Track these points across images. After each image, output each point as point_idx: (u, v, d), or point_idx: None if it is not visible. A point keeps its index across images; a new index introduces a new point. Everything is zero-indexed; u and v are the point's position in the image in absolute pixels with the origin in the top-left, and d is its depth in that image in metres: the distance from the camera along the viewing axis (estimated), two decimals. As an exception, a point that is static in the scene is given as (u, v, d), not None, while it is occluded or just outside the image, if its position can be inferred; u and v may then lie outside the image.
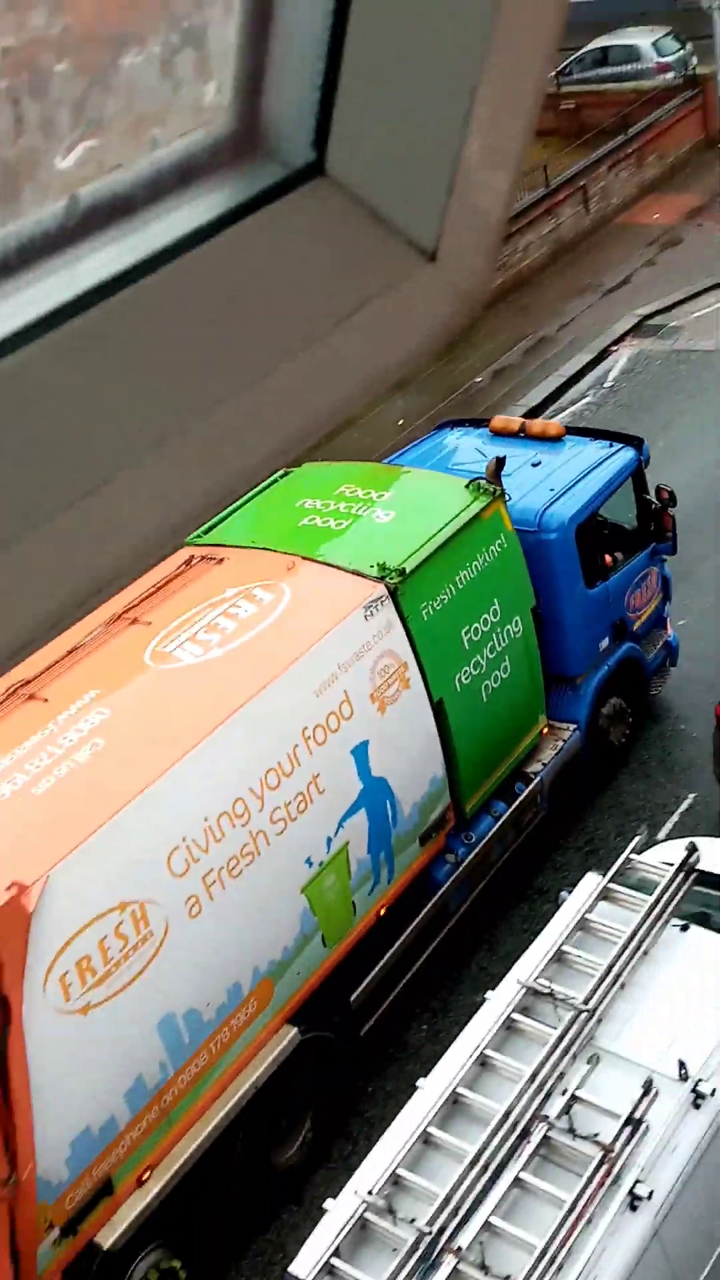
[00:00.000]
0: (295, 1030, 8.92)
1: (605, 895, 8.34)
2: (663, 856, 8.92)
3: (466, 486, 10.31)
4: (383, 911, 9.64)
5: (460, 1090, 7.27)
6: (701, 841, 8.92)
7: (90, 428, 0.86)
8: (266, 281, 0.93)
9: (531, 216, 23.26)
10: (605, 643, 11.62)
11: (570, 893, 8.59)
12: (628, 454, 11.59)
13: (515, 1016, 7.64)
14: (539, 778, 10.98)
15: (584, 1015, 7.44)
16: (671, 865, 8.32)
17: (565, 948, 8.02)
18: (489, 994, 8.03)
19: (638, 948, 7.89)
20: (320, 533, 10.16)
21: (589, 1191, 6.53)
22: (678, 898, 8.21)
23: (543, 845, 11.46)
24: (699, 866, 8.43)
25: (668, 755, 12.23)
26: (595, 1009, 7.49)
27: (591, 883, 8.48)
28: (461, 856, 10.31)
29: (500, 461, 10.47)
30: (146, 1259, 8.25)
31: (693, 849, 8.45)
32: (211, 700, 8.49)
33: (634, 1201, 6.54)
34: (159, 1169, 8.15)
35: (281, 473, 10.71)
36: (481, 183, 0.97)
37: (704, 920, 8.47)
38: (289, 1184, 9.11)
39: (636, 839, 8.80)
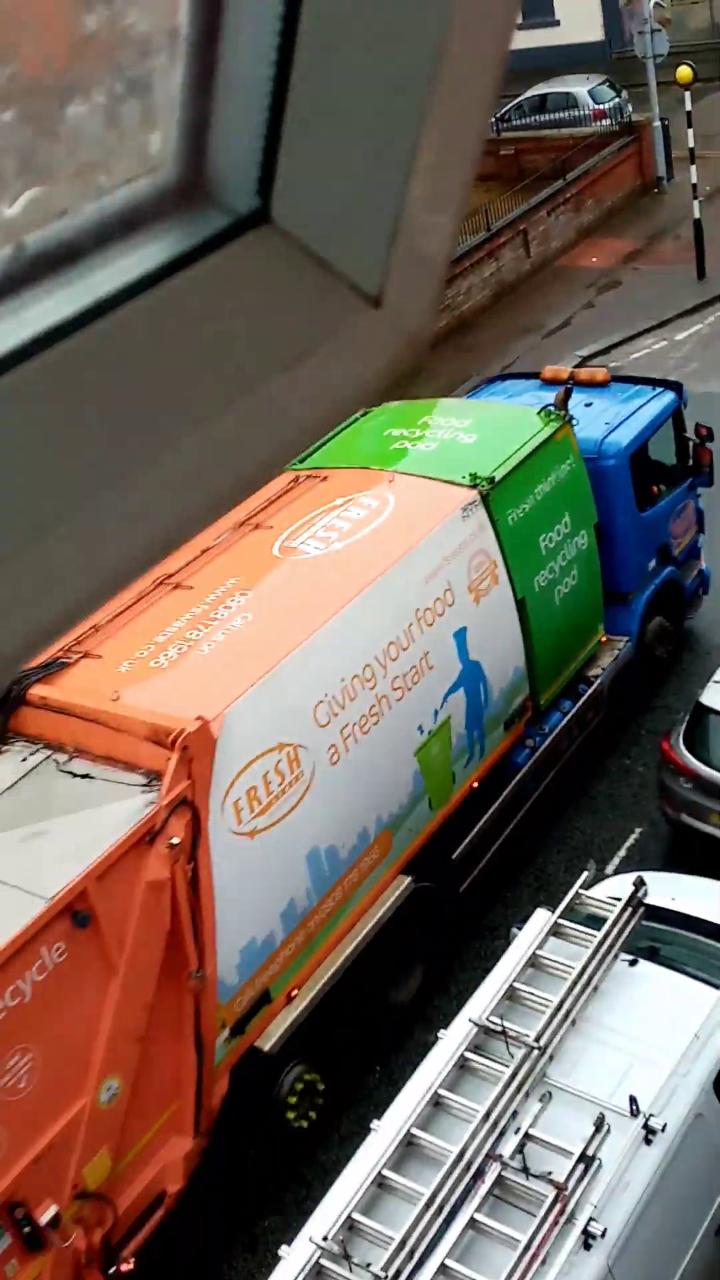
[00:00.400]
0: (409, 879, 10.13)
1: (555, 931, 8.37)
2: (611, 891, 8.97)
3: (539, 413, 11.53)
4: (475, 785, 10.84)
5: (414, 1131, 7.23)
6: (648, 875, 8.98)
7: (35, 475, 0.86)
8: (212, 328, 0.94)
9: (474, 259, 23.56)
10: (653, 564, 12.87)
11: (520, 929, 8.60)
12: (669, 395, 12.91)
13: (468, 1055, 7.63)
14: (599, 681, 12.16)
15: (535, 1052, 7.45)
16: (619, 900, 8.36)
17: (516, 985, 8.03)
18: (441, 1033, 8.01)
19: (588, 983, 7.91)
20: (411, 454, 11.42)
21: (543, 1231, 6.52)
22: (626, 932, 8.25)
23: (494, 881, 11.47)
24: (646, 900, 8.49)
25: (615, 790, 12.31)
26: (546, 1046, 7.50)
27: (541, 919, 8.50)
28: (537, 745, 11.46)
29: (568, 391, 11.85)
30: (293, 1071, 9.31)
31: (640, 883, 8.51)
32: (339, 582, 9.73)
33: (588, 1240, 6.53)
34: (303, 989, 9.29)
35: (361, 412, 12.05)
36: (425, 228, 0.98)
37: (652, 954, 8.51)
38: (403, 1021, 10.24)
39: (585, 874, 8.84)
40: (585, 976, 7.91)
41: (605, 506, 11.91)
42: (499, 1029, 7.62)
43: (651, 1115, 7.09)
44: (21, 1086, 7.34)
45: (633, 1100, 7.11)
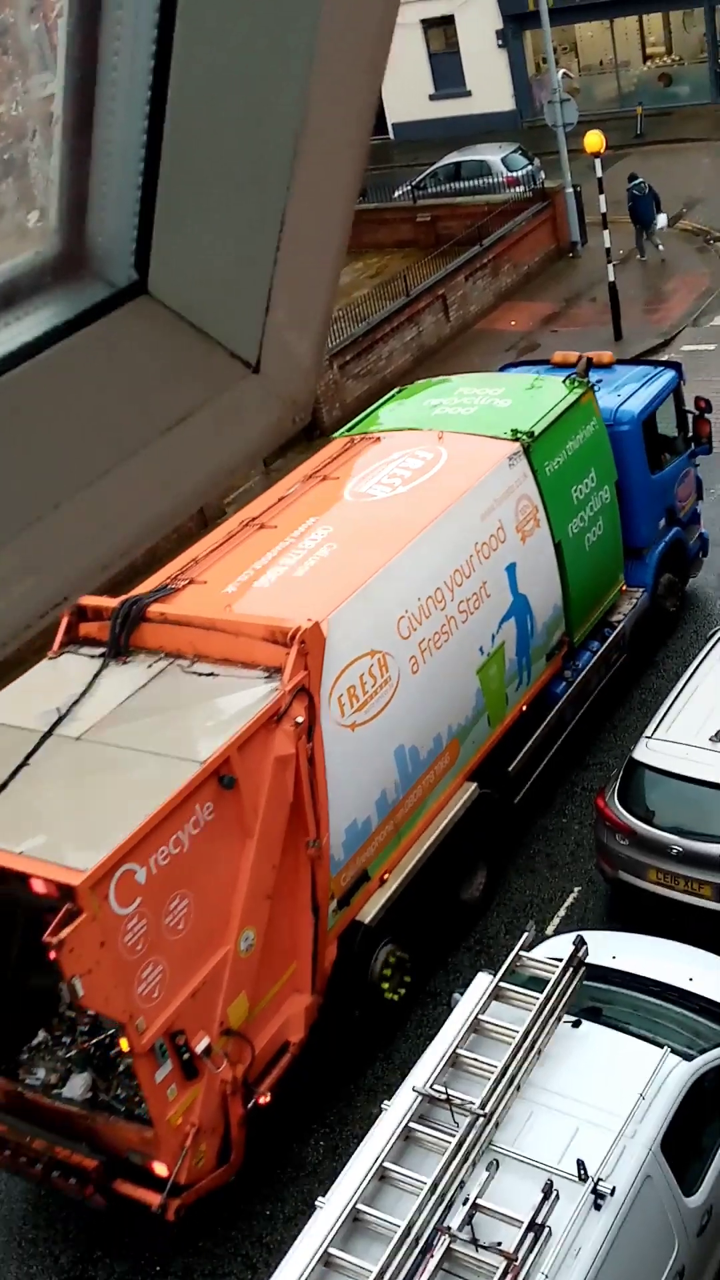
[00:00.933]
0: (474, 785, 11.41)
1: (497, 995, 8.30)
2: (552, 952, 8.92)
3: (564, 381, 13.05)
4: (524, 708, 12.21)
5: (360, 1206, 7.09)
6: (589, 935, 8.96)
7: None
8: (93, 395, 0.97)
9: (394, 324, 23.87)
10: (662, 523, 14.26)
11: (462, 994, 8.52)
12: (670, 373, 14.41)
13: (413, 1126, 7.51)
14: (621, 625, 13.60)
15: (481, 1120, 7.35)
16: (560, 961, 8.31)
17: (460, 1051, 7.93)
18: (385, 1104, 7.89)
19: (531, 1047, 7.83)
20: (454, 417, 12.78)
21: (495, 1304, 6.37)
22: (568, 993, 8.20)
23: (435, 946, 11.38)
24: (587, 960, 8.44)
25: (553, 850, 12.29)
26: (492, 1113, 7.40)
27: (483, 983, 8.43)
28: (573, 678, 12.89)
29: (589, 362, 13.46)
30: (385, 947, 10.47)
31: (580, 943, 8.47)
32: (408, 518, 11.08)
33: (541, 1311, 6.40)
34: (393, 874, 10.51)
35: (396, 390, 14.40)
36: (299, 295, 1.02)
37: (595, 1014, 8.46)
38: (469, 917, 11.57)
39: (525, 935, 8.78)
40: (529, 1040, 7.84)
41: (621, 468, 13.32)
42: (444, 1097, 7.51)
43: (600, 1179, 7.00)
44: (180, 928, 8.43)
45: (580, 1164, 7.03)
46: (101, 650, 10.06)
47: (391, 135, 40.39)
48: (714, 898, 10.27)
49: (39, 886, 7.92)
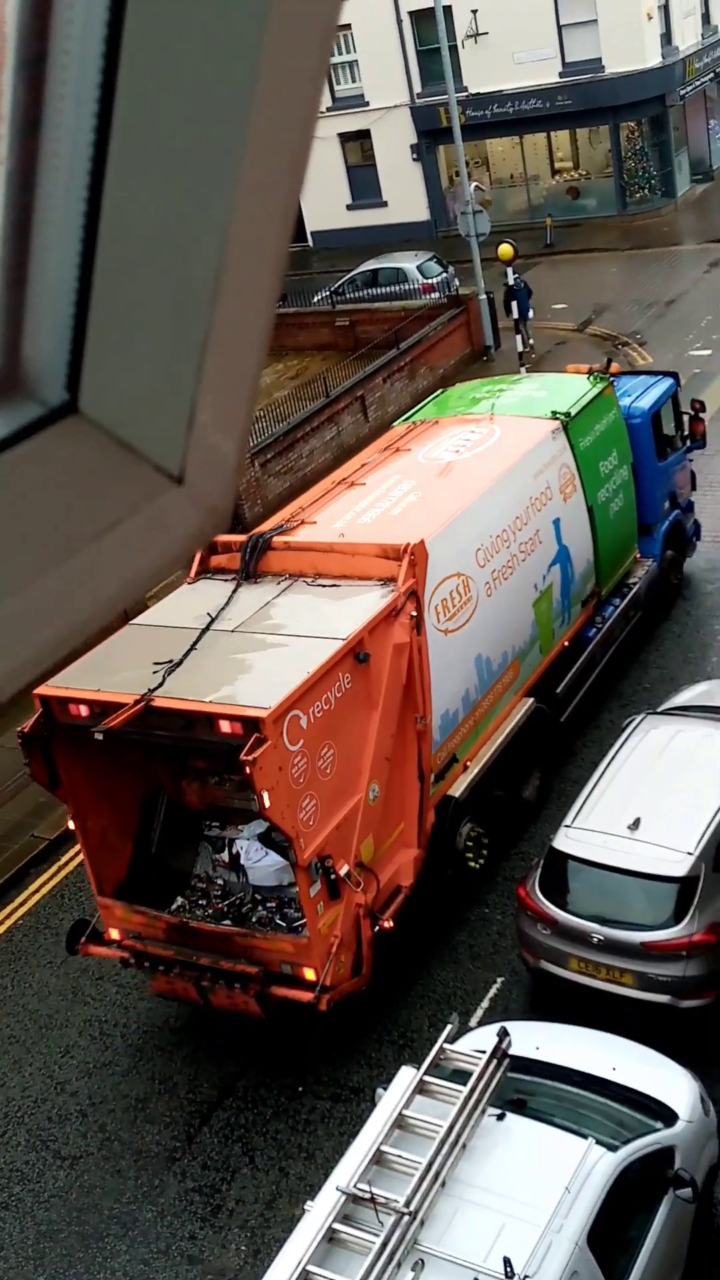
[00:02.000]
0: (532, 700, 13.63)
1: (421, 1089, 8.21)
2: (475, 1044, 8.85)
3: (588, 375, 15.59)
4: (565, 644, 14.47)
5: (283, 1314, 6.89)
6: (512, 1025, 8.92)
7: None
8: (22, 509, 1.01)
9: (314, 424, 24.26)
10: (666, 505, 16.69)
11: (385, 1089, 8.42)
12: (669, 380, 16.99)
13: (336, 1226, 7.36)
14: (637, 587, 15.97)
15: (406, 1218, 7.23)
16: (484, 1053, 8.26)
17: (384, 1148, 7.82)
18: (308, 1204, 7.73)
19: (456, 1142, 7.74)
20: (500, 404, 15.26)
21: None
22: (492, 1086, 8.13)
23: (357, 1042, 11.25)
24: (511, 1051, 8.40)
25: (475, 940, 12.26)
26: (417, 1211, 7.29)
27: (406, 1077, 8.34)
28: (601, 625, 15.16)
29: (609, 360, 16.99)
30: (468, 823, 12.42)
31: (504, 1034, 8.43)
32: (478, 473, 13.30)
33: None
34: (473, 763, 12.56)
35: (439, 392, 17.32)
36: (222, 408, 1.07)
37: (519, 1107, 8.39)
38: (529, 812, 13.60)
39: (448, 1028, 8.72)
40: (453, 1135, 7.75)
41: (635, 454, 15.72)
42: (367, 1196, 7.38)
43: (527, 1276, 6.90)
44: (328, 771, 10.39)
45: (507, 1262, 6.93)
46: (233, 575, 12.08)
47: (311, 243, 41.38)
48: (636, 986, 10.29)
49: (225, 726, 9.85)
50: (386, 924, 10.95)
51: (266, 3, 0.90)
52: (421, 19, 34.02)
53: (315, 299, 31.53)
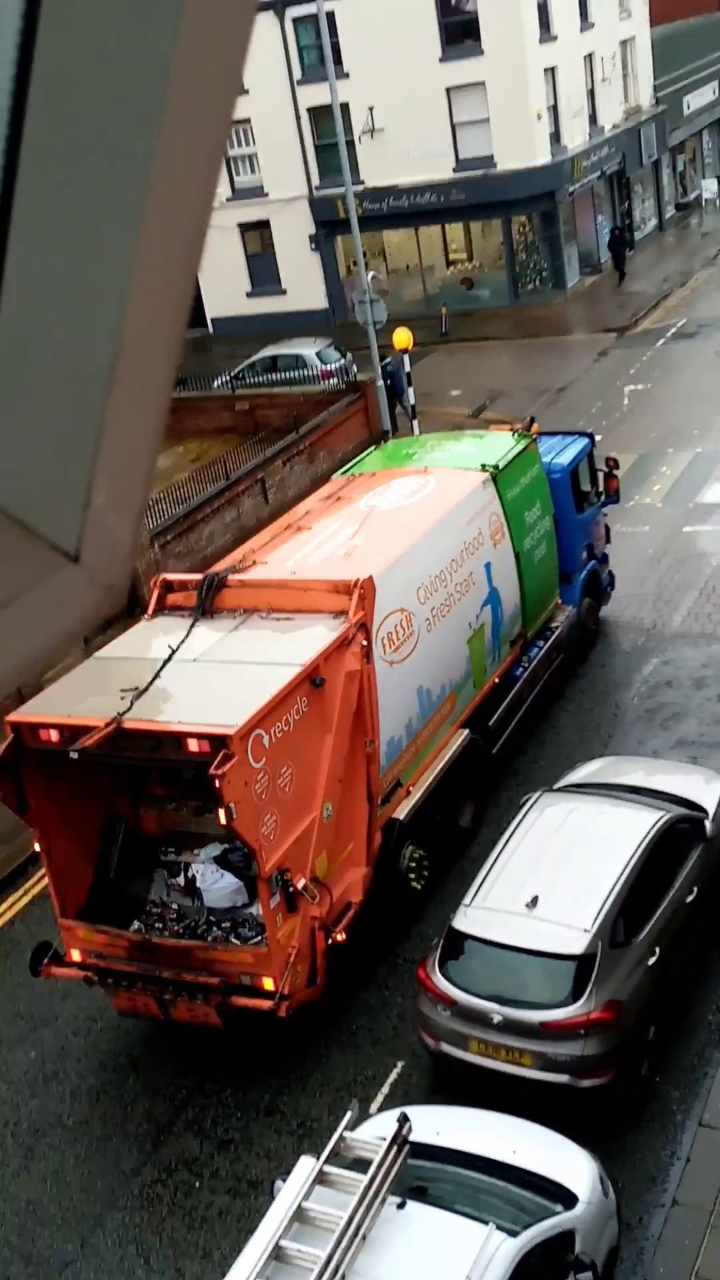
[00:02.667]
0: (467, 731, 14.51)
1: (320, 1179, 8.06)
2: (376, 1131, 8.73)
3: (512, 433, 16.91)
4: (496, 680, 15.46)
5: None
6: (412, 1111, 8.82)
7: None
8: None
9: (214, 506, 24.33)
10: (584, 555, 17.99)
11: (284, 1181, 8.25)
12: (585, 439, 18.38)
13: (233, 1327, 7.14)
14: (558, 630, 17.04)
15: (304, 1315, 7.04)
16: (384, 1140, 8.14)
17: (282, 1243, 7.64)
18: (204, 1305, 7.49)
19: (356, 1233, 7.60)
20: (433, 458, 16.34)
21: None
22: (392, 1173, 8.01)
23: (255, 1133, 11.03)
24: (411, 1138, 8.29)
25: (375, 1024, 12.14)
26: (315, 1306, 7.11)
27: (306, 1168, 8.19)
28: (527, 664, 16.19)
29: (532, 420, 18.36)
30: (409, 846, 13.12)
31: (404, 1120, 8.32)
32: (418, 519, 14.30)
33: None
34: (415, 788, 13.36)
35: (373, 447, 18.50)
36: (118, 488, 1.10)
37: (420, 1194, 8.27)
38: (466, 837, 14.32)
39: (348, 1115, 8.59)
40: (354, 1226, 7.60)
41: (555, 507, 16.85)
42: (265, 1293, 7.20)
43: None
44: (287, 789, 10.99)
45: None
46: (190, 612, 12.79)
47: (211, 329, 41.82)
48: (535, 1066, 10.26)
49: (193, 745, 10.53)
50: (339, 936, 11.51)
51: (161, 99, 0.93)
52: (319, 115, 34.96)
53: (215, 384, 31.80)
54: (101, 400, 1.04)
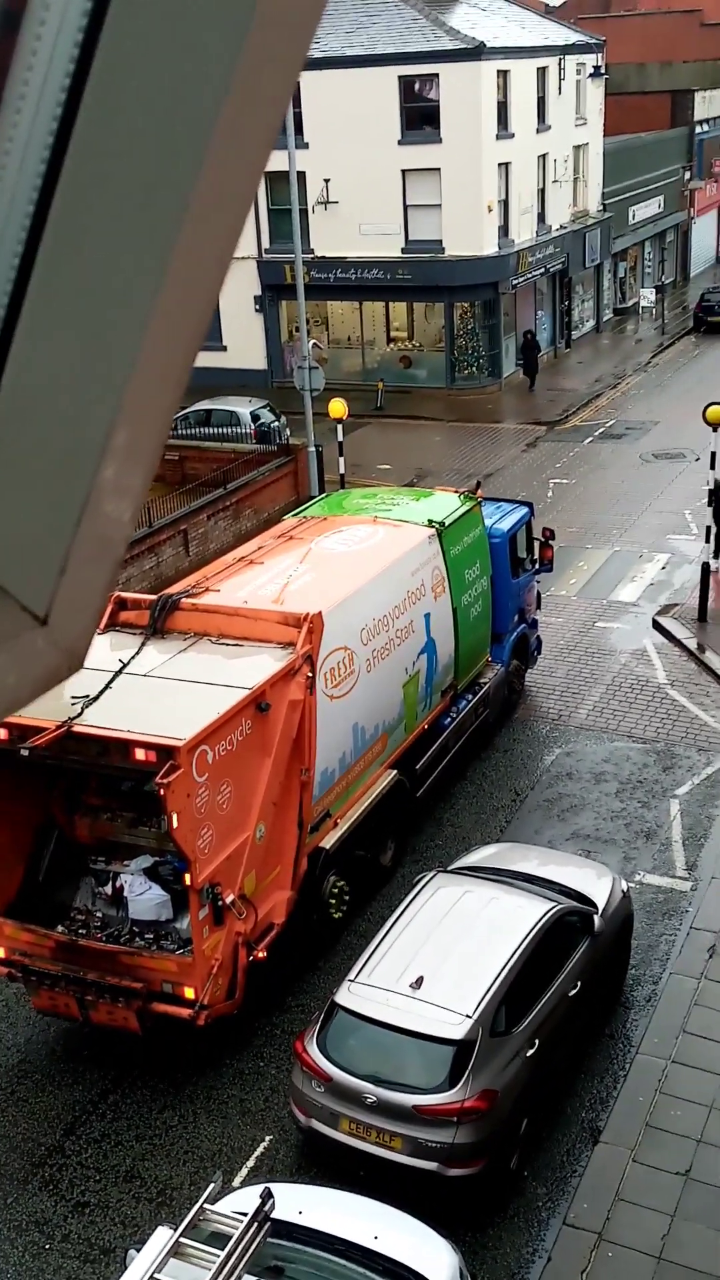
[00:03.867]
0: (395, 772, 14.99)
1: (176, 1251, 7.82)
2: (237, 1205, 8.52)
3: (459, 495, 17.65)
4: (425, 726, 16.06)
5: None
6: (277, 1187, 8.64)
7: None
8: None
9: (134, 552, 24.19)
10: (516, 619, 18.82)
11: (138, 1251, 8.01)
12: (525, 508, 19.35)
13: None
14: (487, 686, 17.83)
15: None
16: (245, 1215, 7.96)
17: (130, 1316, 7.39)
18: None
19: (208, 1310, 7.38)
20: (382, 511, 16.90)
21: None
22: (251, 1251, 7.81)
23: (113, 1199, 10.71)
24: (274, 1215, 8.11)
25: (246, 1095, 11.92)
26: None
27: (161, 1238, 7.96)
28: (455, 715, 16.93)
29: (478, 484, 19.64)
30: (332, 875, 13.57)
31: (267, 1195, 8.14)
32: (365, 564, 14.92)
33: None
34: (343, 820, 13.79)
35: (324, 494, 19.91)
36: (92, 558, 1.12)
37: (277, 1274, 8.09)
38: (385, 875, 14.93)
39: (210, 1187, 8.37)
40: (206, 1303, 7.38)
41: (493, 569, 17.65)
42: None
43: None
44: (225, 806, 11.32)
45: None
46: (141, 630, 13.09)
47: (147, 376, 41.82)
48: (405, 1151, 10.13)
49: (140, 754, 10.85)
50: (260, 954, 11.85)
51: (183, 204, 0.96)
52: (276, 180, 35.39)
53: (147, 431, 31.71)
54: (93, 471, 1.05)
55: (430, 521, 16.28)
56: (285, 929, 12.42)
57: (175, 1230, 7.95)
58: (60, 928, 12.20)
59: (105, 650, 12.71)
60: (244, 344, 41.40)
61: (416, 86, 37.80)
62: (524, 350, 40.72)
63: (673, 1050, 12.03)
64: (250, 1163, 11.11)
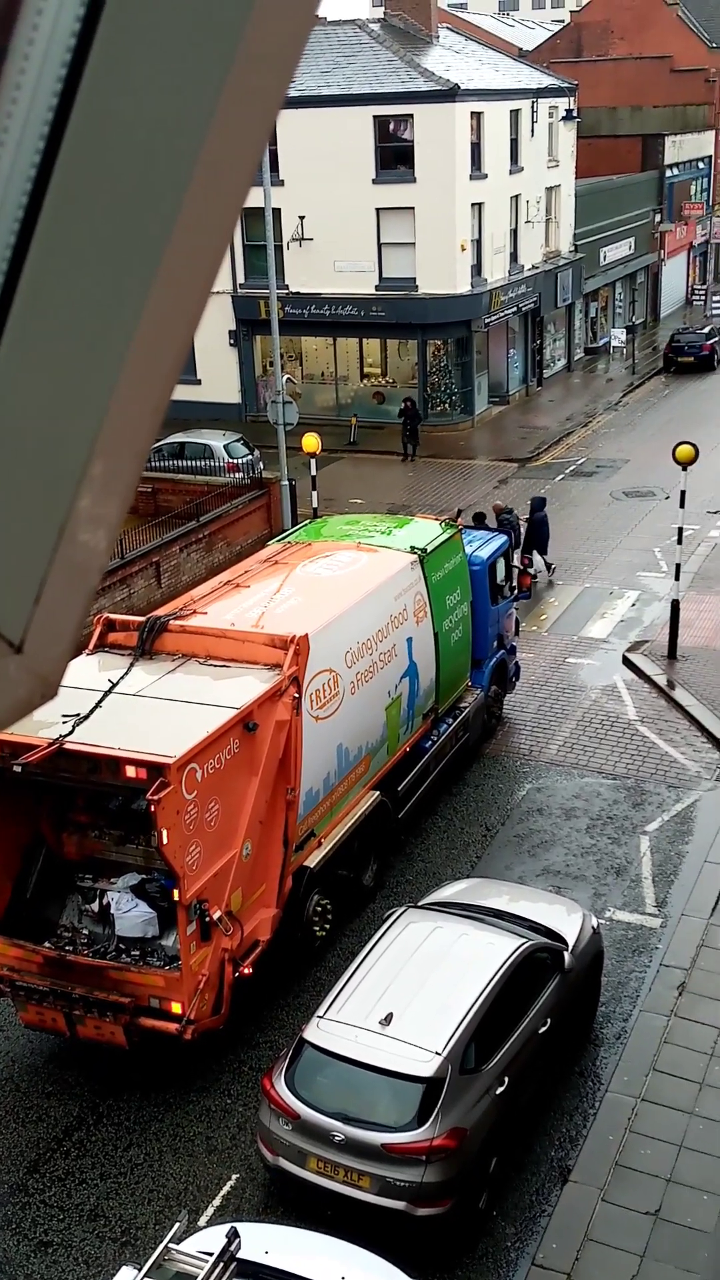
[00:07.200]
0: (378, 793, 15.26)
1: (140, 1293, 7.71)
2: (203, 1245, 8.42)
3: (440, 523, 17.95)
4: (407, 748, 16.35)
5: None
6: (243, 1226, 8.54)
7: None
8: None
9: (106, 583, 24.10)
10: (495, 644, 19.20)
11: (103, 1292, 7.88)
12: (503, 537, 19.91)
13: None
14: (467, 710, 18.17)
15: None
16: (211, 1255, 7.86)
17: None
18: None
19: None
20: (366, 537, 17.16)
21: None
22: (217, 1292, 7.71)
23: (77, 1238, 10.55)
24: (240, 1255, 8.02)
25: (213, 1133, 11.79)
26: None
27: (126, 1278, 7.84)
28: (436, 739, 17.20)
29: (459, 512, 19.74)
30: (316, 894, 13.78)
31: (233, 1235, 8.05)
32: (350, 588, 15.19)
33: None
34: (327, 840, 13.99)
35: (307, 521, 20.13)
36: (68, 587, 1.13)
37: (243, 1316, 7.97)
38: (367, 895, 15.11)
39: (176, 1226, 8.27)
40: (170, 1345, 7.28)
41: (473, 596, 18.04)
42: None
43: None
44: (213, 823, 11.54)
45: None
46: (129, 651, 13.32)
47: (121, 408, 41.83)
48: (373, 1190, 10.04)
49: (130, 771, 11.06)
50: (246, 970, 12.01)
51: (157, 260, 0.98)
52: (251, 216, 35.60)
53: (120, 463, 31.71)
54: (69, 501, 1.06)
55: (412, 548, 16.61)
56: (269, 947, 12.55)
57: (139, 1270, 7.86)
58: (47, 944, 12.27)
59: (94, 670, 12.90)
60: (218, 378, 41.52)
61: (391, 126, 38.18)
62: (403, 418, 37.05)
63: (643, 1088, 11.99)
64: (216, 1201, 10.99)
